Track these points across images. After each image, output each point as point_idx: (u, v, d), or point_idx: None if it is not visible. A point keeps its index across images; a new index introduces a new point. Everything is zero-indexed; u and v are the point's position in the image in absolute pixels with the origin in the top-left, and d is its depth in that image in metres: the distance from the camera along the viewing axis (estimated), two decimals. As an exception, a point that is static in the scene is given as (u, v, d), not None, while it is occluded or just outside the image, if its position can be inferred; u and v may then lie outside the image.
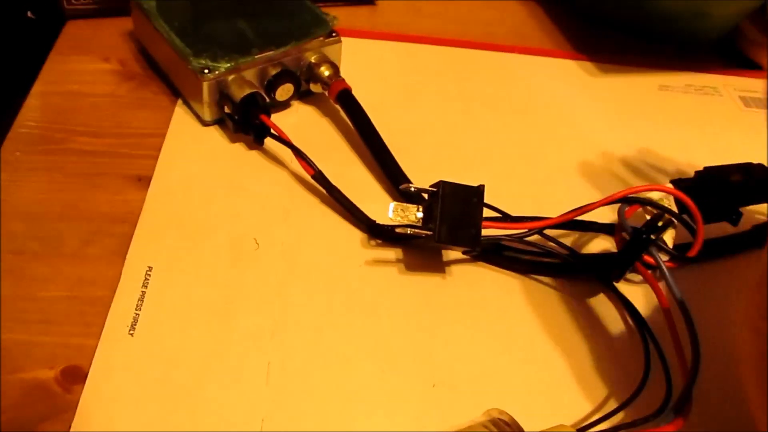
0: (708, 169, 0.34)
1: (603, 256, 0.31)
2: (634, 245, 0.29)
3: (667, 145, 0.39)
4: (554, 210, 0.31)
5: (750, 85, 0.46)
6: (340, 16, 0.38)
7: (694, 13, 0.45)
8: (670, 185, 0.32)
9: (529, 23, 0.49)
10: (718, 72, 0.47)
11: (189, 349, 0.27)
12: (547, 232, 0.31)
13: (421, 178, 0.32)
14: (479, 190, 0.29)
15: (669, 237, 0.31)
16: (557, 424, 0.23)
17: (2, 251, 0.29)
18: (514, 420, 0.22)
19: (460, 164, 0.36)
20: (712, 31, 0.48)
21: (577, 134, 0.39)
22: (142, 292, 0.28)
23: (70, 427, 0.24)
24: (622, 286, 0.31)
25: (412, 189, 0.30)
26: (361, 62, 0.39)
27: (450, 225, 0.28)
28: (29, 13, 0.44)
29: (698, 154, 0.38)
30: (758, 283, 0.23)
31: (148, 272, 0.29)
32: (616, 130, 0.40)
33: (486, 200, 0.30)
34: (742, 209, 0.33)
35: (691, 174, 0.34)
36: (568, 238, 0.33)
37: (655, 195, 0.31)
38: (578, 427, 0.24)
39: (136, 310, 0.28)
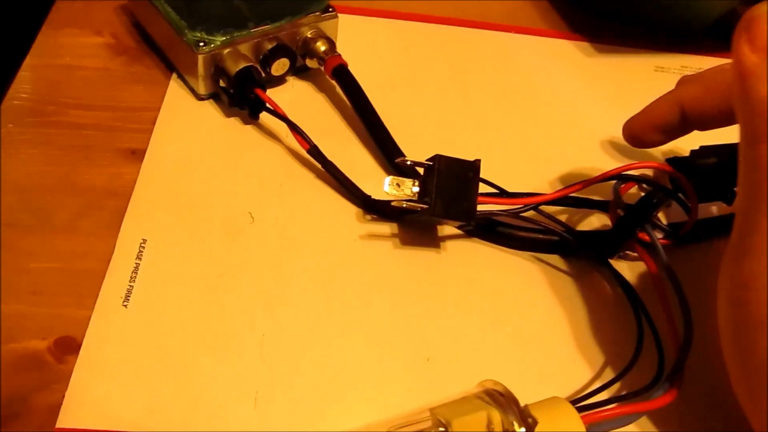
0: (703, 148, 0.34)
1: (598, 233, 0.31)
2: (628, 221, 0.29)
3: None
4: (550, 187, 0.31)
5: (745, 67, 0.46)
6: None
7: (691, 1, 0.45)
8: (665, 163, 0.32)
9: (525, 3, 0.48)
10: (714, 54, 0.47)
11: (183, 321, 0.27)
12: (543, 208, 0.31)
13: (416, 154, 0.32)
14: (475, 165, 0.29)
15: (663, 215, 0.31)
16: (551, 396, 0.23)
17: (-6, 222, 0.29)
18: (508, 391, 0.22)
19: (455, 141, 0.36)
20: (709, 16, 0.48)
21: (572, 113, 0.39)
22: (136, 264, 0.28)
23: (63, 397, 0.24)
24: (617, 263, 0.31)
25: (408, 162, 0.29)
26: (357, 39, 0.39)
27: (445, 199, 0.28)
28: (21, -14, 0.43)
29: (693, 134, 0.38)
30: (731, 255, 0.23)
31: (142, 244, 0.29)
32: (612, 110, 0.40)
33: (482, 176, 0.30)
34: (736, 189, 0.33)
35: (686, 153, 0.34)
36: (564, 215, 0.33)
37: (651, 172, 0.31)
38: (572, 399, 0.24)
39: (129, 282, 0.27)
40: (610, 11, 0.48)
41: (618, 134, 0.38)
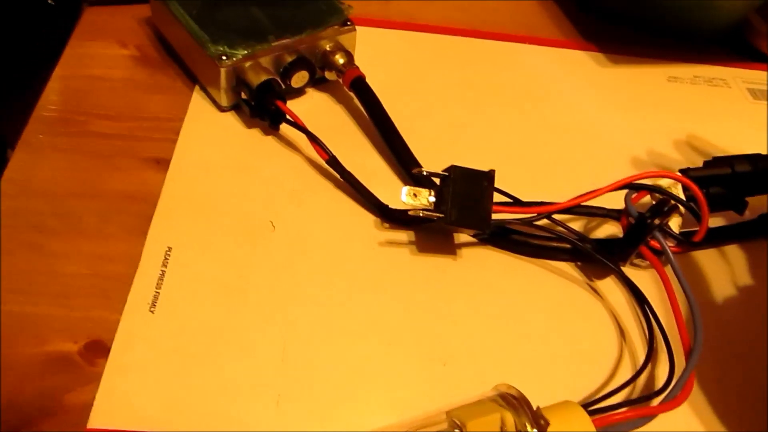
0: (716, 159, 0.34)
1: (609, 241, 0.32)
2: (638, 229, 0.30)
3: (676, 135, 0.40)
4: (563, 196, 0.32)
5: (758, 77, 0.47)
6: (353, 4, 0.38)
7: (702, 6, 0.46)
8: (678, 173, 0.32)
9: (538, 13, 0.49)
10: (727, 64, 0.47)
11: (208, 326, 0.28)
12: (556, 217, 0.32)
13: (432, 164, 0.33)
14: (490, 175, 0.30)
15: (675, 223, 0.32)
16: (563, 399, 0.24)
17: (25, 227, 0.30)
18: (521, 394, 0.23)
19: (471, 151, 0.37)
20: (721, 24, 0.48)
21: (585, 123, 0.40)
22: (162, 271, 0.29)
23: (94, 398, 0.25)
24: (629, 270, 0.32)
25: (424, 173, 0.30)
26: (374, 50, 0.40)
27: (461, 208, 0.29)
28: (50, 0, 0.45)
29: (706, 145, 0.39)
30: None
31: (168, 252, 0.30)
32: (625, 119, 0.41)
33: (496, 185, 0.31)
34: (748, 199, 0.34)
35: (699, 164, 0.34)
36: (577, 223, 0.33)
37: (664, 182, 0.32)
38: (584, 402, 0.25)
39: (156, 288, 0.28)
40: (622, 17, 0.48)
41: (631, 143, 0.39)
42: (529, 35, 0.46)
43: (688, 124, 0.41)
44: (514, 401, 0.23)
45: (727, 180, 0.33)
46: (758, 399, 0.27)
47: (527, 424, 0.22)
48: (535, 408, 0.23)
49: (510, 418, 0.22)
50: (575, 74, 0.44)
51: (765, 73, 0.48)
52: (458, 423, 0.22)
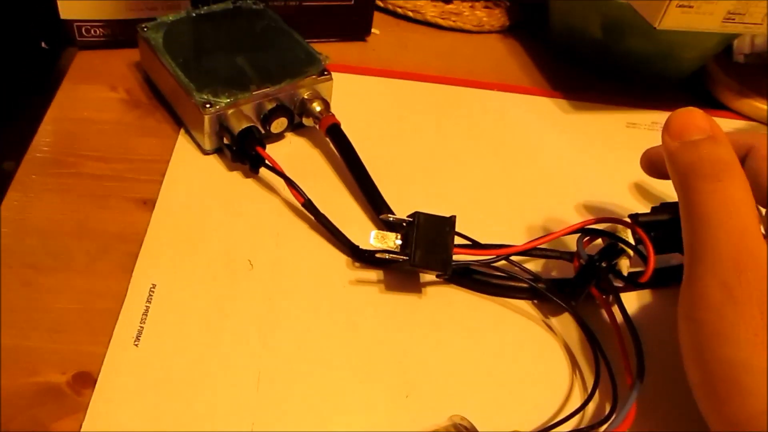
0: (663, 205, 0.37)
1: (563, 281, 0.34)
2: (588, 271, 0.32)
3: (631, 179, 0.43)
4: (522, 238, 0.34)
5: (713, 123, 0.50)
6: (332, 51, 0.41)
7: (661, 55, 0.49)
8: (627, 219, 0.35)
9: (509, 60, 0.53)
10: (683, 110, 0.50)
11: (188, 359, 0.30)
12: (514, 258, 0.34)
13: (401, 206, 0.35)
14: (451, 221, 0.32)
15: (624, 265, 0.34)
16: (514, 428, 0.26)
17: (18, 265, 0.32)
18: (472, 425, 0.25)
19: (437, 194, 0.39)
20: (679, 72, 0.52)
21: (547, 167, 0.43)
22: (146, 307, 0.31)
23: (81, 426, 0.27)
24: (583, 307, 0.34)
25: (391, 219, 0.33)
26: (351, 96, 0.43)
27: (424, 250, 0.31)
28: (42, 44, 0.47)
29: (658, 189, 0.42)
30: (684, 281, 0.29)
31: (152, 289, 0.32)
32: (585, 163, 0.44)
33: (458, 229, 0.33)
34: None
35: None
36: (533, 264, 0.36)
37: (620, 226, 0.34)
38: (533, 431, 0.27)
39: (140, 323, 0.31)
40: (588, 62, 0.52)
41: (588, 186, 0.42)
42: (499, 82, 0.49)
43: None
44: (464, 431, 0.25)
45: (673, 224, 0.36)
46: (694, 421, 0.29)
47: (476, 453, 0.24)
48: (483, 437, 0.25)
49: (461, 448, 0.24)
50: (540, 120, 0.47)
51: (719, 119, 0.50)
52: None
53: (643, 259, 0.34)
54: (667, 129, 0.30)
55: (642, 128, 0.48)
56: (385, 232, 0.32)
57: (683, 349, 0.28)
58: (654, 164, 0.37)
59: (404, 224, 0.33)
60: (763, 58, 0.54)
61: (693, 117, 0.30)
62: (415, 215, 0.32)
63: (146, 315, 0.31)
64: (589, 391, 0.30)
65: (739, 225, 0.27)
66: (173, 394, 0.29)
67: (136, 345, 0.30)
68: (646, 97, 0.50)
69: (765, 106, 0.51)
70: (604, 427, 0.29)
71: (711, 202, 0.28)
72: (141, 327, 0.30)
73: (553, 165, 0.43)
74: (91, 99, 0.42)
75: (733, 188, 0.28)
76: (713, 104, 0.52)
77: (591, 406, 0.30)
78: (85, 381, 0.29)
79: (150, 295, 0.32)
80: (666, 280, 0.36)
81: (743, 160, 0.32)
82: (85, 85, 0.43)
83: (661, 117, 0.49)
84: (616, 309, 0.33)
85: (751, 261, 0.27)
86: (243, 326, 0.31)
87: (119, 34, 0.44)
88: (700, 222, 0.28)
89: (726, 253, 0.27)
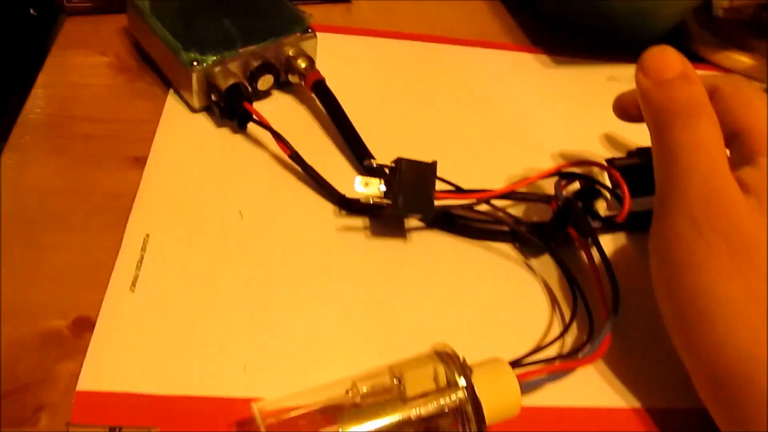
0: (639, 150, 0.38)
1: (542, 224, 0.36)
2: (565, 211, 0.33)
3: (609, 129, 0.44)
4: (503, 185, 0.35)
5: (692, 75, 0.51)
6: (317, 13, 0.42)
7: (641, 11, 0.50)
8: (603, 162, 0.36)
9: (491, 20, 0.53)
10: (663, 64, 0.51)
11: (182, 302, 0.31)
12: (496, 203, 0.36)
13: (386, 157, 0.36)
14: (433, 166, 0.34)
15: (601, 208, 0.36)
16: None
17: (17, 224, 0.33)
18: (453, 350, 0.27)
19: (421, 144, 0.40)
20: (659, 28, 0.52)
21: (529, 119, 0.44)
22: (141, 255, 0.32)
23: (81, 366, 0.28)
24: (563, 249, 0.35)
25: (374, 164, 0.34)
26: (336, 56, 0.44)
27: (407, 195, 0.33)
28: (32, 11, 0.48)
29: (637, 137, 0.43)
30: (655, 216, 0.30)
31: (146, 239, 0.33)
32: (566, 116, 0.45)
33: (442, 176, 0.34)
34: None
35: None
36: (516, 208, 0.37)
37: (596, 169, 0.36)
38: (512, 360, 0.28)
39: (136, 270, 0.32)
40: (568, 24, 0.52)
41: (567, 137, 0.43)
42: (481, 40, 0.50)
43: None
44: (446, 356, 0.26)
45: (648, 168, 0.37)
46: (666, 356, 0.31)
47: (456, 374, 0.26)
48: (462, 359, 0.26)
49: (442, 370, 0.26)
50: (522, 75, 0.48)
51: (698, 72, 0.52)
52: (397, 374, 0.26)
53: (619, 200, 0.35)
54: (641, 67, 0.31)
55: (623, 81, 0.49)
56: (369, 178, 0.33)
57: (655, 282, 0.30)
58: (626, 108, 0.38)
59: (387, 170, 0.34)
60: (742, 12, 0.54)
61: (666, 56, 0.31)
62: (398, 161, 0.33)
63: (141, 263, 0.32)
64: (566, 324, 0.32)
65: (708, 161, 0.29)
66: (168, 336, 0.30)
67: (132, 290, 0.31)
68: (627, 51, 0.51)
69: (744, 58, 0.52)
70: (580, 355, 0.30)
71: (682, 140, 0.29)
72: (136, 274, 0.32)
73: (534, 117, 0.44)
74: (81, 64, 0.43)
75: (703, 126, 0.29)
76: (693, 58, 0.52)
77: (568, 338, 0.32)
78: (84, 325, 0.30)
79: (144, 244, 0.33)
80: (642, 224, 0.37)
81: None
82: (74, 50, 0.43)
83: (641, 70, 0.50)
84: (594, 251, 0.34)
85: (719, 196, 0.28)
86: (234, 272, 0.33)
87: (107, 1, 0.45)
88: (672, 159, 0.29)
89: (695, 188, 0.28)
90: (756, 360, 0.26)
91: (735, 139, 0.31)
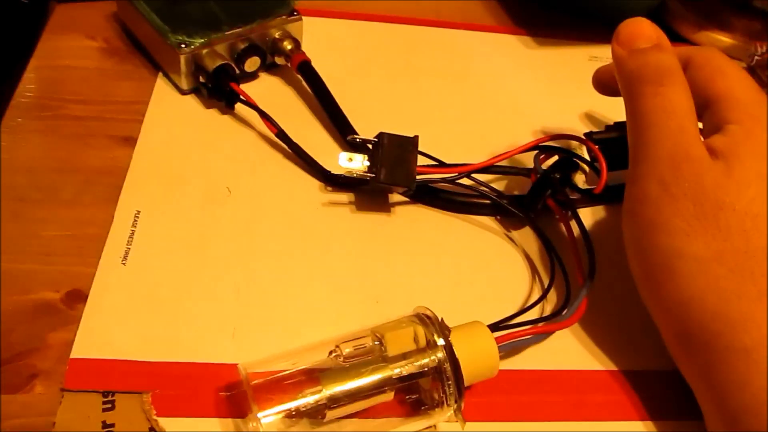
0: (617, 123, 0.39)
1: (521, 196, 0.37)
2: (543, 182, 0.34)
3: (590, 107, 0.45)
4: (484, 159, 0.36)
5: (672, 55, 0.52)
6: (301, -3, 0.43)
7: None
8: (582, 135, 0.37)
9: (474, 2, 0.54)
10: (644, 44, 0.52)
11: (172, 274, 0.32)
12: (477, 177, 0.37)
13: (370, 135, 0.37)
14: (414, 140, 0.35)
15: (580, 180, 0.37)
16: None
17: (9, 198, 0.34)
18: (433, 313, 0.27)
19: (404, 122, 0.40)
20: (640, 6, 0.53)
21: (510, 99, 0.45)
22: (132, 230, 0.33)
23: (75, 335, 0.29)
24: (545, 223, 0.36)
25: (358, 140, 0.35)
26: (320, 38, 0.45)
27: (390, 167, 0.34)
28: (22, -1, 0.49)
29: (620, 115, 0.44)
30: (628, 180, 0.31)
31: (137, 215, 0.34)
32: (547, 95, 0.46)
33: (425, 151, 0.35)
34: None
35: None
36: (497, 183, 0.38)
37: (574, 143, 0.37)
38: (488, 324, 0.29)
39: (127, 244, 0.33)
40: (550, 1, 0.53)
41: (548, 114, 0.44)
42: (465, 22, 0.51)
43: (603, 98, 0.46)
44: (426, 318, 0.27)
45: (626, 141, 0.38)
46: (640, 321, 0.32)
47: (435, 335, 0.27)
48: (441, 321, 0.27)
49: (421, 331, 0.27)
50: (504, 56, 0.49)
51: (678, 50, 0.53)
52: (379, 335, 0.27)
53: (597, 173, 0.36)
54: (616, 37, 0.33)
55: (604, 61, 0.49)
56: (352, 153, 0.34)
57: (626, 242, 0.31)
58: (604, 82, 0.39)
59: (370, 145, 0.35)
60: (723, -8, 0.55)
61: (641, 26, 0.32)
62: (380, 136, 0.34)
63: (132, 237, 0.33)
64: (544, 290, 0.33)
65: (677, 126, 0.30)
66: (159, 306, 0.31)
67: (124, 264, 0.32)
68: (608, 31, 0.52)
69: (724, 38, 0.53)
70: (558, 319, 0.31)
71: (653, 105, 0.30)
72: (128, 248, 0.33)
73: (516, 96, 0.45)
74: (71, 48, 0.43)
75: (674, 93, 0.30)
76: (673, 37, 0.53)
77: (547, 305, 0.33)
78: (77, 297, 0.31)
79: (135, 220, 0.34)
80: (619, 197, 0.38)
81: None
82: (65, 35, 0.44)
83: (622, 50, 0.51)
84: (573, 223, 0.35)
85: (686, 159, 0.29)
86: (222, 245, 0.33)
87: (96, -14, 0.46)
88: (642, 123, 0.30)
89: (664, 152, 0.29)
90: (722, 317, 0.27)
91: (707, 108, 0.32)
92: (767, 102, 0.31)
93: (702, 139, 0.30)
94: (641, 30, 0.32)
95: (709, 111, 0.32)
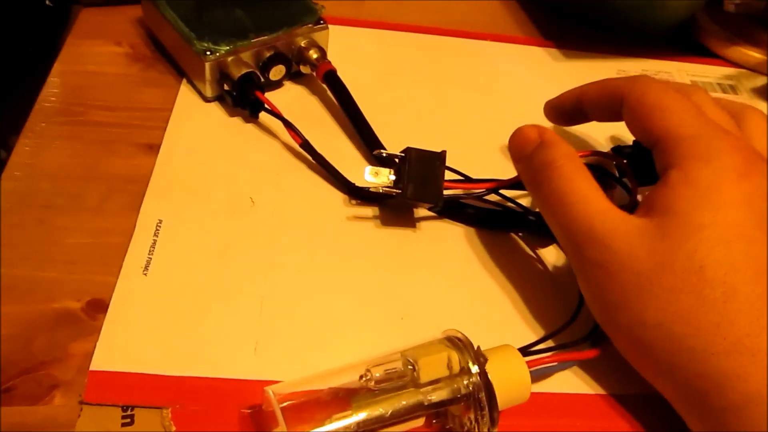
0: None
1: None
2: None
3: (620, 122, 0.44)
4: (511, 174, 0.36)
5: (702, 70, 0.51)
6: (329, 6, 0.42)
7: (651, 4, 0.50)
8: (610, 152, 0.36)
9: (502, 13, 0.54)
10: (673, 58, 0.52)
11: (194, 285, 0.32)
12: (505, 193, 0.36)
13: (396, 147, 0.36)
14: (442, 155, 0.34)
15: (609, 197, 0.36)
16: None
17: (33, 205, 0.34)
18: (466, 337, 0.27)
19: (430, 135, 0.41)
20: (669, 21, 0.53)
21: (538, 112, 0.44)
22: (154, 240, 0.33)
23: (95, 346, 0.29)
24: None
25: (384, 154, 0.34)
26: (346, 47, 0.44)
27: (416, 184, 0.33)
28: (47, 2, 0.49)
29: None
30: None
31: (159, 224, 0.34)
32: (574, 108, 0.45)
33: (451, 166, 0.35)
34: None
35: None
36: (525, 198, 0.37)
37: (604, 159, 0.36)
38: (521, 347, 0.29)
39: (149, 254, 0.32)
40: (579, 15, 0.53)
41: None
42: (491, 33, 0.50)
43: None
44: (459, 343, 0.27)
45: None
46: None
47: (469, 362, 0.26)
48: (476, 348, 0.27)
49: (455, 357, 0.26)
50: (531, 68, 0.48)
51: (708, 66, 0.52)
52: (411, 361, 0.26)
53: (628, 190, 0.35)
54: (511, 155, 0.34)
55: (632, 74, 0.49)
56: (378, 168, 0.34)
57: (597, 318, 0.30)
58: (554, 114, 0.39)
59: (397, 159, 0.34)
60: (753, 7, 0.54)
61: (522, 134, 0.34)
62: (407, 150, 0.34)
63: (154, 247, 0.33)
64: (573, 313, 0.32)
65: (582, 210, 0.29)
66: (180, 318, 0.30)
67: (145, 274, 0.32)
68: (635, 46, 0.51)
69: (754, 53, 0.52)
70: (588, 343, 0.30)
71: (553, 201, 0.30)
72: (149, 258, 0.32)
73: (542, 109, 0.44)
74: (96, 53, 0.43)
75: (564, 181, 0.30)
76: (703, 52, 0.53)
77: (576, 326, 0.32)
78: (98, 307, 0.30)
79: (157, 229, 0.33)
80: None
81: (621, 108, 0.33)
82: (89, 40, 0.44)
83: (650, 65, 0.50)
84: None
85: (607, 236, 0.28)
86: (245, 257, 0.33)
87: (121, -9, 0.46)
88: (553, 220, 0.31)
89: (584, 237, 0.29)
90: (703, 377, 0.26)
91: (653, 148, 0.31)
92: (719, 127, 0.30)
93: (615, 208, 0.29)
94: (523, 137, 0.33)
95: (654, 151, 0.31)
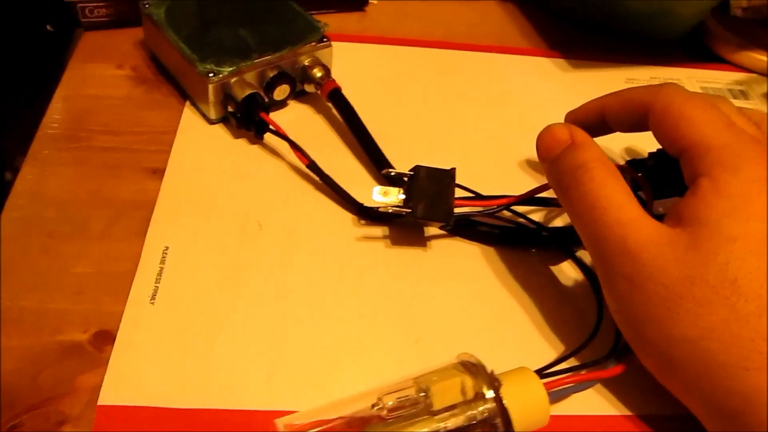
0: (660, 150, 0.37)
1: (563, 228, 0.35)
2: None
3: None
4: (522, 190, 0.35)
5: (711, 76, 0.51)
6: (332, 22, 0.42)
7: (660, 12, 0.49)
8: (625, 164, 0.36)
9: (507, 24, 0.53)
10: (681, 65, 0.51)
11: (202, 314, 0.31)
12: (517, 209, 0.35)
13: (404, 163, 0.36)
14: (451, 173, 0.33)
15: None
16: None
17: (37, 234, 0.33)
18: (479, 361, 0.26)
19: (439, 151, 0.40)
20: (678, 28, 0.52)
21: (547, 123, 0.43)
22: (161, 267, 0.32)
23: (103, 379, 0.28)
24: (583, 253, 0.35)
25: (392, 173, 0.34)
26: (351, 64, 0.44)
27: (426, 202, 0.32)
28: (48, 26, 0.48)
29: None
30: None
31: (165, 251, 0.33)
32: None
33: (461, 183, 0.34)
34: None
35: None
36: (537, 214, 0.37)
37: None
38: (537, 369, 0.28)
39: (155, 282, 0.32)
40: (587, 23, 0.52)
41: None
42: (497, 45, 0.50)
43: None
44: (472, 367, 0.26)
45: (669, 169, 0.36)
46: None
47: (484, 387, 0.25)
48: (490, 371, 0.26)
49: (469, 382, 0.25)
50: (539, 79, 0.47)
51: (718, 72, 0.51)
52: (423, 387, 0.25)
53: (643, 203, 0.34)
54: (538, 153, 0.33)
55: (641, 83, 0.48)
56: (387, 187, 0.33)
57: (627, 339, 0.29)
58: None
59: (405, 178, 0.33)
60: (761, 12, 0.54)
61: (551, 133, 0.32)
62: (416, 169, 0.33)
63: (160, 275, 0.32)
64: (592, 331, 0.31)
65: (614, 220, 0.28)
66: (189, 348, 0.30)
67: (152, 303, 0.31)
68: (643, 53, 0.51)
69: (764, 58, 0.51)
70: (605, 365, 0.29)
71: (582, 207, 0.29)
72: (156, 286, 0.32)
73: (553, 120, 0.43)
74: (98, 77, 0.43)
75: (595, 186, 0.29)
76: (712, 58, 0.52)
77: (594, 345, 0.31)
78: (105, 338, 0.30)
79: (164, 256, 0.33)
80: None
81: (645, 118, 0.32)
82: (91, 64, 0.44)
83: (659, 72, 0.50)
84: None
85: (635, 247, 0.27)
86: (254, 283, 0.32)
87: (123, 13, 0.45)
88: (581, 226, 0.30)
89: (612, 248, 0.28)
90: (735, 393, 0.25)
91: (680, 157, 0.30)
92: (748, 135, 0.29)
93: (648, 216, 0.28)
94: (552, 137, 0.32)
95: (682, 160, 0.30)
